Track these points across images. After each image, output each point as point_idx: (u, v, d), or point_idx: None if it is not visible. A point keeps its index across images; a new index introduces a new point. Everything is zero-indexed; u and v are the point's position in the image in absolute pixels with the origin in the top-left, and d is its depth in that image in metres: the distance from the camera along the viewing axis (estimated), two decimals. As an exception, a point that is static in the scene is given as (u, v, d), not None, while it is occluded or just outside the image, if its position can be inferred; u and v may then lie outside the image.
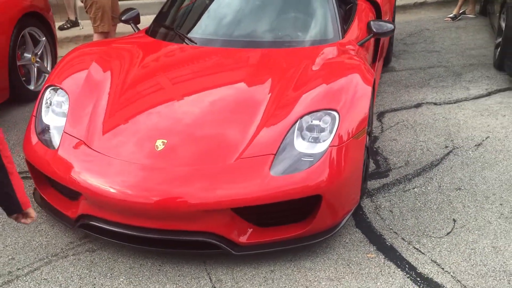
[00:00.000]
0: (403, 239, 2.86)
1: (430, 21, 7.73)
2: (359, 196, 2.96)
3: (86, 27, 7.20)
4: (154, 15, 4.25)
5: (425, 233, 2.91)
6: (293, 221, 2.70)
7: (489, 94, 4.94)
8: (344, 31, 3.74)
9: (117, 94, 3.04)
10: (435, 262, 2.67)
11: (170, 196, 2.50)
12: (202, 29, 3.76)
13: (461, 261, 2.67)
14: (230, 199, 2.51)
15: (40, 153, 2.88)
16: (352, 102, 2.85)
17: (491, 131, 4.15)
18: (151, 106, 2.98)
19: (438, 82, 5.29)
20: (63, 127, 2.93)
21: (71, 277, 2.61)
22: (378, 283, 2.53)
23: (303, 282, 2.55)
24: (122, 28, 5.70)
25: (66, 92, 3.08)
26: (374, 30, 3.69)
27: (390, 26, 3.71)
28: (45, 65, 5.07)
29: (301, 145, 2.70)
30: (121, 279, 2.59)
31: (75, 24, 7.17)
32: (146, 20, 4.73)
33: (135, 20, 4.12)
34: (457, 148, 3.89)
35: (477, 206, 3.16)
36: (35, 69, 4.90)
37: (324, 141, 2.70)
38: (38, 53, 4.93)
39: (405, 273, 2.59)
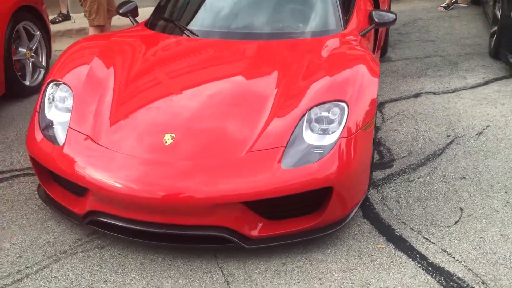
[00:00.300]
0: (412, 229, 2.87)
1: (423, 10, 7.75)
2: (367, 187, 2.96)
3: (77, 20, 7.11)
4: (151, 8, 4.20)
5: (433, 223, 2.92)
6: (303, 214, 2.70)
7: (486, 83, 4.98)
8: (346, 22, 3.73)
9: (121, 89, 3.00)
10: (445, 251, 2.69)
11: (181, 191, 2.48)
12: (204, 21, 3.73)
13: (471, 250, 2.69)
14: (241, 192, 2.50)
15: (45, 149, 2.83)
16: (360, 93, 2.84)
17: (491, 120, 4.18)
18: (157, 100, 2.95)
19: (435, 71, 5.31)
20: (67, 123, 2.89)
21: (82, 274, 2.58)
22: (391, 273, 2.54)
23: (316, 274, 2.56)
24: (117, 21, 5.64)
25: (69, 87, 3.03)
26: (376, 20, 3.68)
27: (391, 16, 3.70)
28: (40, 60, 5.00)
29: (310, 137, 2.69)
30: (133, 275, 2.57)
31: (66, 17, 7.07)
32: (143, 13, 4.68)
33: (133, 13, 4.06)
34: (459, 137, 3.91)
35: (482, 194, 3.18)
36: (30, 64, 4.83)
37: (333, 132, 2.69)
38: (33, 48, 4.86)
39: (416, 263, 2.61)
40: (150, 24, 3.83)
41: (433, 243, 2.76)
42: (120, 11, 4.05)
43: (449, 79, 5.07)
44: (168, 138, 2.68)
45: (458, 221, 2.94)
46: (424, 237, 2.80)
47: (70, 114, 2.93)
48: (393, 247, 2.73)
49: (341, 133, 2.66)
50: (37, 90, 4.89)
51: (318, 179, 2.55)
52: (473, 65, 5.44)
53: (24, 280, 2.55)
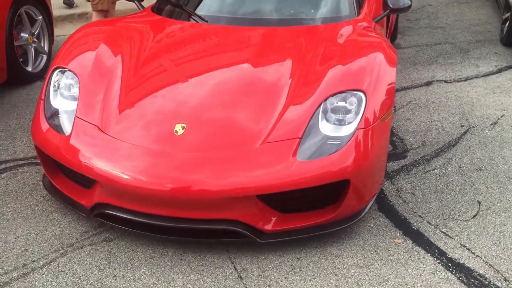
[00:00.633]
0: (429, 223, 2.79)
1: (432, -4, 7.61)
2: (383, 178, 2.87)
3: (80, 4, 6.96)
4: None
5: (451, 216, 2.84)
6: (318, 207, 2.61)
7: (499, 71, 4.86)
8: (359, 7, 3.61)
9: (130, 78, 2.89)
10: (464, 246, 2.61)
11: (192, 183, 2.39)
12: (212, 5, 3.60)
13: (491, 245, 2.61)
14: (256, 185, 2.40)
15: (51, 139, 2.73)
16: (377, 81, 2.73)
17: (506, 109, 4.08)
18: (167, 89, 2.84)
19: (446, 59, 5.19)
20: (73, 112, 2.79)
21: (90, 268, 2.50)
22: (409, 270, 2.46)
23: (332, 269, 2.48)
24: (120, 5, 5.49)
25: (75, 74, 2.92)
26: (391, 6, 3.55)
27: (407, 1, 3.57)
28: (42, 45, 4.87)
29: (326, 128, 2.59)
30: (143, 270, 2.49)
31: (70, 4, 6.93)
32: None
33: (139, -3, 3.93)
34: (473, 127, 3.82)
35: (500, 187, 3.10)
36: (33, 49, 4.71)
37: (349, 123, 2.60)
38: (35, 33, 4.73)
39: (435, 259, 2.53)
40: (157, 9, 3.70)
41: (451, 237, 2.67)
42: (125, -5, 3.92)
43: (461, 67, 4.95)
44: (179, 129, 2.58)
45: (476, 214, 2.85)
46: (442, 232, 2.72)
47: (76, 102, 2.83)
48: (411, 241, 2.65)
49: (358, 124, 2.56)
50: (39, 76, 4.78)
51: (335, 172, 2.45)
52: (484, 53, 5.32)
53: (30, 274, 2.47)
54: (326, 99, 2.65)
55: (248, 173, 2.43)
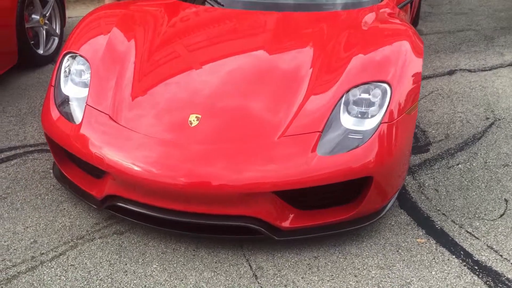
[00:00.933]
0: (454, 222, 2.66)
1: (454, -20, 7.35)
2: (406, 174, 2.74)
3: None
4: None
5: (477, 215, 2.71)
6: (338, 204, 2.50)
7: (526, 60, 4.67)
8: (382, -8, 3.44)
9: (143, 64, 2.77)
10: (491, 248, 2.48)
11: (207, 178, 2.28)
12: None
13: (520, 247, 2.49)
14: (273, 181, 2.29)
15: (61, 127, 2.63)
16: (403, 72, 2.58)
17: (533, 101, 3.90)
18: (181, 77, 2.71)
19: (470, 47, 5.00)
20: (84, 99, 2.68)
21: (100, 263, 2.42)
22: (433, 272, 2.34)
23: (351, 270, 2.37)
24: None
25: (86, 60, 2.81)
26: (416, -9, 3.38)
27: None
28: (54, 27, 4.77)
29: (348, 121, 2.46)
30: (154, 266, 2.40)
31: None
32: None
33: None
34: (499, 119, 3.65)
35: (528, 185, 2.95)
36: (44, 31, 4.61)
37: (372, 116, 2.46)
38: (47, 15, 4.62)
39: (460, 261, 2.40)
40: (172, -9, 3.56)
41: (477, 238, 2.55)
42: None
43: (485, 56, 4.76)
44: (193, 119, 2.47)
45: (503, 214, 2.72)
46: (468, 232, 2.59)
47: (87, 89, 2.72)
48: (434, 241, 2.53)
49: (382, 117, 2.43)
50: (51, 59, 4.69)
51: (357, 168, 2.33)
52: (509, 40, 5.11)
53: (39, 268, 2.39)
54: (348, 91, 2.51)
55: (265, 168, 2.31)
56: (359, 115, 2.49)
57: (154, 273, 2.36)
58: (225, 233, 2.45)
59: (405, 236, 2.57)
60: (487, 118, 3.68)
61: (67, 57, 2.89)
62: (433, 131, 3.53)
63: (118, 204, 2.50)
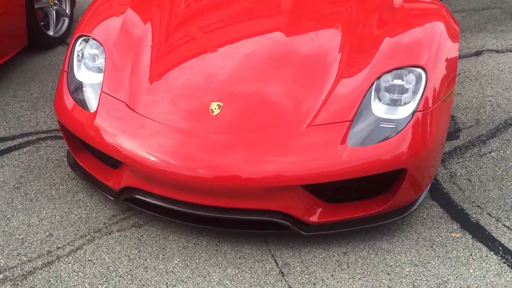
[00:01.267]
0: (490, 215, 2.52)
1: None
2: (439, 163, 2.59)
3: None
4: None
5: (514, 208, 2.57)
6: (368, 196, 2.36)
7: (556, 39, 4.45)
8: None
9: (161, 48, 2.62)
10: (532, 244, 2.34)
11: (232, 170, 2.15)
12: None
13: (563, 243, 2.34)
14: (302, 173, 2.15)
15: (76, 116, 2.50)
16: (438, 56, 2.41)
17: None
18: (202, 62, 2.55)
19: (496, 26, 4.77)
20: (99, 85, 2.54)
21: (119, 258, 2.31)
22: (471, 270, 2.21)
23: (383, 267, 2.24)
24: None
25: (100, 44, 2.66)
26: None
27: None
28: (64, 8, 4.60)
29: (379, 109, 2.30)
30: (176, 261, 2.29)
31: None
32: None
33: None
34: (532, 104, 3.48)
35: None
36: (54, 12, 4.45)
37: (405, 104, 2.30)
38: (56, -6, 4.45)
39: (499, 257, 2.27)
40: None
41: (516, 233, 2.41)
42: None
43: (513, 35, 4.55)
44: (214, 107, 2.32)
45: (542, 206, 2.57)
46: (505, 225, 2.45)
47: (101, 74, 2.58)
48: (470, 236, 2.39)
49: (417, 105, 2.27)
50: (61, 41, 4.54)
51: (391, 160, 2.18)
52: (538, 19, 4.88)
53: (55, 263, 2.29)
54: (380, 77, 2.35)
55: (293, 160, 2.17)
56: (390, 103, 2.33)
57: (175, 269, 2.26)
58: (248, 227, 2.33)
59: (439, 230, 2.44)
60: (519, 102, 3.50)
61: (79, 40, 2.74)
62: (462, 117, 3.36)
63: (137, 196, 2.39)
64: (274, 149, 2.19)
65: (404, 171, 2.23)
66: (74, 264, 2.28)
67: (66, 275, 2.23)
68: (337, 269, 2.24)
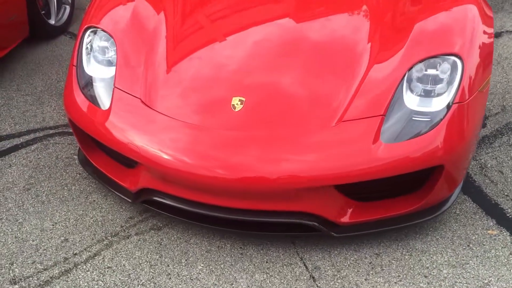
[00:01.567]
0: (526, 210, 2.41)
1: None
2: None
3: None
4: None
5: (551, 201, 2.45)
6: (400, 194, 2.23)
7: None
8: None
9: (177, 38, 2.46)
10: None
11: (258, 172, 2.01)
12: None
13: None
14: (334, 173, 2.01)
15: (87, 113, 2.35)
16: (473, 42, 2.26)
17: None
18: (221, 53, 2.40)
19: (514, 5, 4.60)
20: (111, 80, 2.39)
21: (140, 264, 2.19)
22: (512, 271, 2.10)
23: (419, 269, 2.13)
24: None
25: (110, 35, 2.50)
26: None
27: None
28: (65, -5, 4.42)
29: (412, 101, 2.16)
30: (200, 267, 2.18)
31: None
32: None
33: None
34: (559, 88, 3.33)
35: None
36: (55, 0, 4.25)
37: (439, 95, 2.16)
38: (57, -19, 4.26)
39: (541, 257, 2.16)
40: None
41: (556, 229, 2.29)
42: None
43: (533, 15, 4.38)
44: (236, 103, 2.18)
45: None
46: (544, 221, 2.34)
47: (113, 68, 2.43)
48: (508, 233, 2.28)
49: (453, 96, 2.12)
50: (63, 29, 4.36)
51: (427, 157, 2.05)
52: (557, -3, 4.70)
53: (73, 271, 2.17)
54: (412, 66, 2.20)
55: (323, 159, 2.03)
56: (423, 94, 2.19)
57: (200, 275, 2.14)
58: (273, 229, 2.21)
59: (474, 227, 2.32)
60: (545, 87, 3.36)
61: (88, 32, 2.58)
62: (487, 103, 3.22)
63: (155, 198, 2.26)
64: (303, 147, 2.05)
65: (440, 167, 2.10)
66: (93, 272, 2.17)
67: (86, 284, 2.11)
68: (371, 272, 2.12)
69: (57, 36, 4.30)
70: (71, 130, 3.01)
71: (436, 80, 2.20)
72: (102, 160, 2.53)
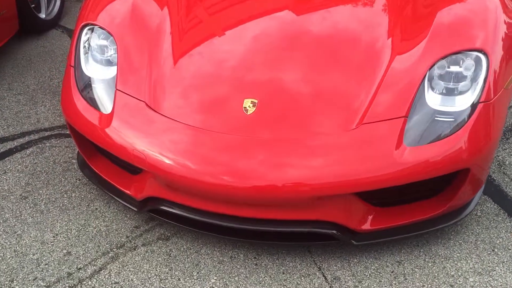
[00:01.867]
0: (550, 210, 2.31)
1: None
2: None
3: None
4: None
5: None
6: (421, 198, 2.12)
7: None
8: None
9: (182, 35, 2.31)
10: None
11: (276, 180, 1.88)
12: None
13: None
14: (355, 179, 1.89)
15: (88, 118, 2.20)
16: (496, 36, 2.14)
17: None
18: (231, 51, 2.25)
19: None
20: (111, 81, 2.24)
21: (149, 278, 2.07)
22: (542, 278, 2.01)
23: (444, 278, 2.02)
24: None
25: (109, 33, 2.35)
26: None
27: None
28: (55, -13, 4.22)
29: (434, 100, 2.04)
30: (213, 280, 2.06)
31: None
32: None
33: None
34: None
35: None
36: (45, -8, 4.07)
37: (462, 93, 2.04)
38: (46, -28, 4.06)
39: None
40: None
41: None
42: None
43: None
44: (248, 105, 2.04)
45: None
46: None
47: (113, 68, 2.28)
48: (533, 236, 2.19)
49: (479, 95, 2.01)
50: (54, 23, 4.18)
51: (453, 160, 1.93)
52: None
53: (78, 288, 2.05)
54: (434, 64, 2.08)
55: (344, 164, 1.91)
56: (445, 92, 2.07)
57: (214, 290, 2.03)
58: (289, 239, 2.09)
59: (498, 230, 2.22)
60: (559, 78, 3.25)
61: (85, 30, 2.42)
62: (500, 96, 3.11)
63: (163, 208, 2.13)
64: (322, 152, 1.93)
65: (466, 170, 1.99)
66: (99, 288, 2.04)
67: (92, 301, 1.99)
68: (394, 282, 2.02)
69: (48, 30, 4.12)
70: (67, 132, 2.87)
71: (458, 77, 2.08)
72: (103, 165, 2.39)
